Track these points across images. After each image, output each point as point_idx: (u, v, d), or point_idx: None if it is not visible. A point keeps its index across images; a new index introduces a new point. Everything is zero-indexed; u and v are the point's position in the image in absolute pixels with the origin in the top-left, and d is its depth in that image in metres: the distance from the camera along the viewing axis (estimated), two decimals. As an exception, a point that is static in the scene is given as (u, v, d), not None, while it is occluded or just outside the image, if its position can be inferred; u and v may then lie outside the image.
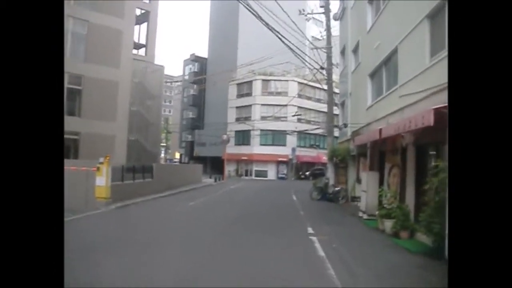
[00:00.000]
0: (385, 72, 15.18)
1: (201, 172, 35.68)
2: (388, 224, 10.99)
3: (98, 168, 14.77)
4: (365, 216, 14.10)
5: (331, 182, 22.18)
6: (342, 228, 12.02)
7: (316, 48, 22.54)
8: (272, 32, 17.04)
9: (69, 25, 24.07)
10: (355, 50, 21.11)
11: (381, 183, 14.42)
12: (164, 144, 68.79)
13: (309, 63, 23.10)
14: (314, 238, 9.65)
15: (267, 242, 9.16)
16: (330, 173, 22.60)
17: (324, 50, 22.67)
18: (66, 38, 23.57)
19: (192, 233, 10.36)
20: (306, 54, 20.65)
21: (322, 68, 22.13)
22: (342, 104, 25.41)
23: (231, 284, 5.92)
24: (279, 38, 17.71)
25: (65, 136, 23.35)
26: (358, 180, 19.34)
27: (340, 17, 26.44)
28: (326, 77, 22.85)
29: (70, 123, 21.95)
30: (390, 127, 11.13)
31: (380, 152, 15.47)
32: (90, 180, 14.82)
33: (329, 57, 22.53)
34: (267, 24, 17.47)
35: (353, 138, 18.67)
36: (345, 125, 17.61)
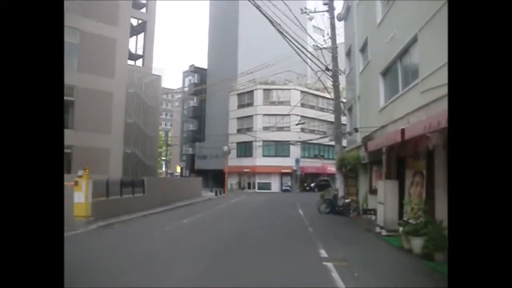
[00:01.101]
0: (400, 67, 13.38)
1: (200, 186, 33.70)
2: (417, 243, 9.07)
3: (76, 183, 12.95)
4: (384, 232, 12.18)
5: (340, 193, 20.24)
6: (361, 249, 9.97)
7: (320, 48, 20.75)
8: (274, 25, 15.33)
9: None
10: (363, 49, 19.36)
11: (401, 193, 12.55)
12: (165, 158, 67.05)
13: (312, 67, 21.28)
14: (329, 265, 7.66)
15: (270, 273, 7.21)
16: (338, 184, 20.64)
17: (330, 51, 20.87)
18: None
19: (180, 258, 8.47)
20: (309, 57, 18.79)
21: (327, 69, 20.30)
22: (350, 110, 23.59)
23: None
24: (280, 32, 15.97)
25: None
26: (371, 191, 17.48)
27: (345, 16, 24.79)
28: (331, 80, 21.01)
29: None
30: (416, 125, 9.29)
31: (399, 158, 13.61)
32: (68, 196, 12.98)
33: (334, 58, 20.73)
34: (270, 21, 15.83)
35: (364, 144, 16.79)
36: (356, 130, 15.75)
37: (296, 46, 17.48)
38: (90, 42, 24.30)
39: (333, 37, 21.15)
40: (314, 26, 39.18)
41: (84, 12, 25.10)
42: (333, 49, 20.81)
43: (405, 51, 12.62)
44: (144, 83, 38.78)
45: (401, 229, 10.27)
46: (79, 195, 12.92)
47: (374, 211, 16.43)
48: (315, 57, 19.19)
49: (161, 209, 19.02)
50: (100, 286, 5.55)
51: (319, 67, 19.65)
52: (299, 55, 18.27)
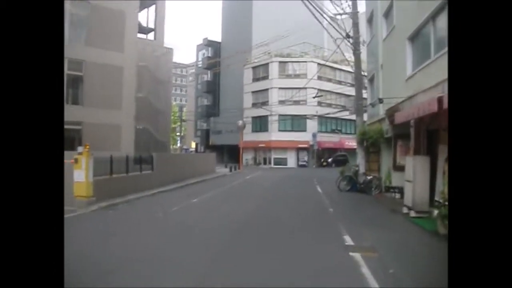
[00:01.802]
0: (433, 30, 11.88)
1: (214, 162, 32.67)
2: (456, 229, 7.87)
3: (76, 160, 11.93)
4: (412, 213, 10.96)
5: (361, 169, 18.97)
6: (390, 235, 8.66)
7: (340, 14, 19.13)
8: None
9: (69, 7, 21.80)
10: (387, 13, 17.75)
11: (432, 171, 11.26)
12: (179, 134, 66.32)
13: (331, 35, 19.73)
14: (356, 256, 6.45)
15: (286, 269, 6.01)
16: (359, 160, 19.32)
17: (350, 16, 19.26)
18: (65, 21, 21.85)
19: (185, 244, 7.42)
20: (329, 23, 17.28)
21: (348, 36, 18.76)
22: (371, 81, 22.07)
23: None
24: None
25: (67, 126, 22.20)
26: (395, 167, 16.18)
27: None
28: (352, 48, 19.49)
29: (72, 112, 20.08)
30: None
31: (429, 132, 12.25)
32: (68, 175, 12.00)
33: (355, 24, 19.13)
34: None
35: (389, 116, 15.42)
36: (380, 100, 14.33)
37: (314, 13, 15.98)
38: (99, 15, 23.33)
39: (354, 1, 19.51)
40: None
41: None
42: (354, 14, 19.19)
43: (439, 10, 11.11)
44: (155, 56, 37.47)
45: (435, 211, 9.04)
46: (79, 174, 11.91)
47: (399, 189, 15.29)
48: (335, 23, 17.65)
49: (171, 187, 18.06)
50: (99, 286, 5.13)
51: (340, 33, 18.09)
52: (318, 20, 16.76)
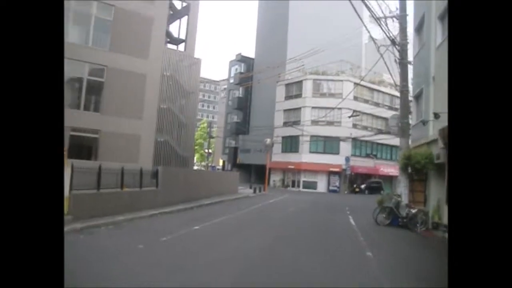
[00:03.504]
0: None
1: (237, 181, 29.88)
2: None
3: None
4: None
5: (404, 200, 15.87)
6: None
7: (385, 17, 16.29)
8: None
9: (93, 10, 20.99)
10: (444, 15, 14.91)
11: None
12: (207, 150, 64.26)
13: (374, 40, 16.95)
14: None
15: None
16: (402, 189, 16.25)
17: (397, 19, 16.43)
18: (89, 24, 21.02)
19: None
20: (380, 22, 14.56)
21: (394, 43, 15.93)
22: (418, 97, 19.05)
23: None
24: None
25: (83, 134, 20.89)
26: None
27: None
28: (398, 58, 16.63)
29: (89, 120, 19.70)
30: None
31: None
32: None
33: (403, 29, 16.30)
34: None
35: (443, 137, 12.45)
36: (436, 116, 11.28)
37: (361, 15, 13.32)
38: (124, 20, 22.12)
39: (402, 3, 16.72)
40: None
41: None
42: (402, 17, 16.36)
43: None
44: (182, 66, 35.56)
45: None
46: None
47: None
48: (380, 27, 14.88)
49: (178, 208, 15.39)
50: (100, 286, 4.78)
51: (387, 36, 15.26)
52: (362, 22, 14.04)
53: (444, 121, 12.40)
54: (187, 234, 10.44)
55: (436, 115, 11.57)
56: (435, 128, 14.47)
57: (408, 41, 16.93)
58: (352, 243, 10.74)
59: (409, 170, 15.93)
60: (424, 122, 14.46)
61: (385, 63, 18.05)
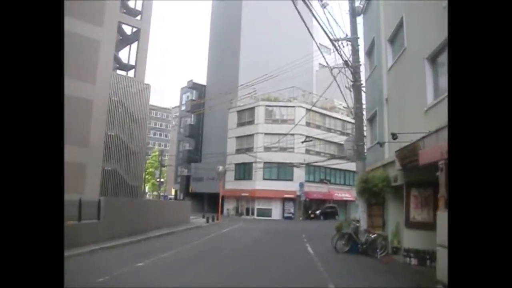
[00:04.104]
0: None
1: (189, 211, 28.50)
2: None
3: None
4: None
5: (363, 226, 15.36)
6: None
7: (337, 40, 16.07)
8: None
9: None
10: (394, 37, 14.88)
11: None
12: (159, 179, 62.31)
13: (327, 63, 16.70)
14: None
15: None
16: (360, 213, 15.76)
17: (349, 42, 16.28)
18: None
19: None
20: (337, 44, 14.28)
21: (346, 65, 15.71)
22: (371, 120, 18.91)
23: None
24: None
25: None
26: (408, 224, 12.72)
27: (363, 10, 20.28)
28: (350, 80, 16.44)
29: None
30: None
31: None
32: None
33: (355, 51, 16.15)
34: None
35: (400, 159, 12.08)
36: (394, 136, 10.88)
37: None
38: (71, 42, 20.91)
39: (353, 26, 16.65)
40: (321, 45, 34.82)
41: (67, 10, 21.63)
42: (354, 39, 16.23)
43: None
44: (131, 92, 34.22)
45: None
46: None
47: (415, 254, 11.85)
48: (335, 47, 14.60)
49: (123, 241, 14.04)
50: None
51: (341, 57, 14.98)
52: (317, 45, 13.67)
53: (400, 143, 12.09)
54: (129, 273, 9.14)
55: (394, 136, 11.16)
56: (391, 150, 14.18)
57: (361, 63, 16.78)
58: (312, 275, 9.87)
59: (367, 194, 15.51)
60: (381, 144, 14.11)
61: (338, 86, 17.84)
